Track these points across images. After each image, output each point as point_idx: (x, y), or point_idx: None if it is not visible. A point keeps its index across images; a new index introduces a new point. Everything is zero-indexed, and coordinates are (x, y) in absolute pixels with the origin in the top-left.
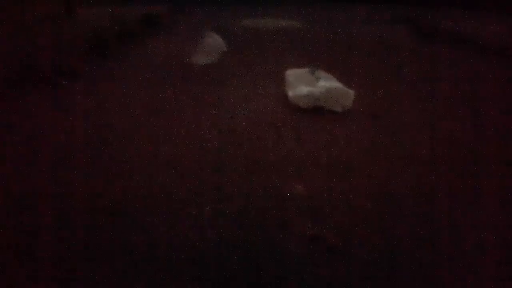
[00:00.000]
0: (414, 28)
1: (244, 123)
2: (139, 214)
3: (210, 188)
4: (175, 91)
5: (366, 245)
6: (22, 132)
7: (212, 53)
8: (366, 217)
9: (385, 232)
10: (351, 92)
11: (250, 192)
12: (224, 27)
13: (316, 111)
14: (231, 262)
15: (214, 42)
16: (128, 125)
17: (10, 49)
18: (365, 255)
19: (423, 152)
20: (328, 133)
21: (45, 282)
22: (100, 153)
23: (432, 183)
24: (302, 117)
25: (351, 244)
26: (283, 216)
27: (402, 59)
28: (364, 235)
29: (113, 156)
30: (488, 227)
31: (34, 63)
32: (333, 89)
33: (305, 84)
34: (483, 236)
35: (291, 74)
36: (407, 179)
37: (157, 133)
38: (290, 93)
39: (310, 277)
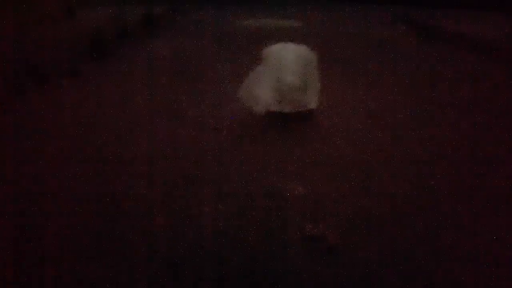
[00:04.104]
0: (414, 28)
1: (244, 124)
2: (139, 214)
3: (210, 188)
4: (175, 91)
5: (366, 245)
6: (22, 132)
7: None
8: (366, 217)
9: (385, 232)
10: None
11: (250, 192)
12: (224, 27)
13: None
14: (231, 262)
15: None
16: (128, 125)
17: (11, 49)
18: (365, 255)
19: (423, 152)
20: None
21: (44, 283)
22: (100, 153)
23: (432, 183)
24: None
25: (351, 244)
26: (283, 216)
27: (402, 59)
28: (364, 235)
29: (112, 155)
30: (488, 227)
31: (34, 63)
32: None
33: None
34: (484, 236)
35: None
36: (407, 179)
37: (157, 133)
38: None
39: (310, 277)
